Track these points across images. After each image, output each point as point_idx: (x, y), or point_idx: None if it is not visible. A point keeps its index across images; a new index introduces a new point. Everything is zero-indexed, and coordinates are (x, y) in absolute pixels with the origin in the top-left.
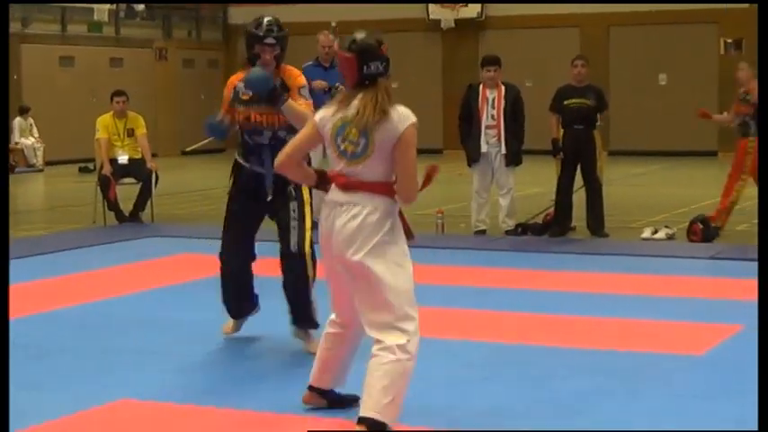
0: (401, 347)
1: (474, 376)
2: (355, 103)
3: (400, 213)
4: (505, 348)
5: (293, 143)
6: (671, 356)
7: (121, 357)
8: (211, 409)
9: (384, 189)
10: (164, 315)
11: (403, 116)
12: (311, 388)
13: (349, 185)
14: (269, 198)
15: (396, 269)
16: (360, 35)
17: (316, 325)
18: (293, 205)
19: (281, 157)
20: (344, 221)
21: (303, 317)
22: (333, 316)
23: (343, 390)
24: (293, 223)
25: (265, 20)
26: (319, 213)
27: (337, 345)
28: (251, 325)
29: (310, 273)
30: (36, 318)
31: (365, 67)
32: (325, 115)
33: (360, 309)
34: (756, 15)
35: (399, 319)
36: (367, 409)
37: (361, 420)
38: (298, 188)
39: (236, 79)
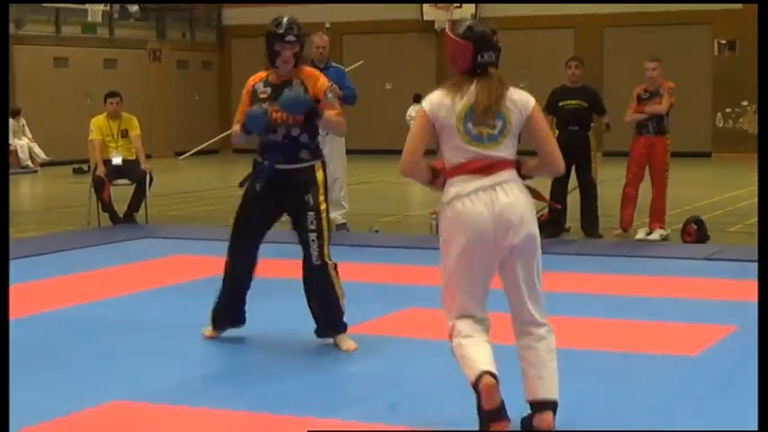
0: (552, 329)
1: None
2: (473, 89)
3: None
4: (499, 349)
5: (412, 145)
6: (665, 357)
7: (115, 359)
8: (206, 410)
9: (516, 166)
10: (157, 316)
11: (524, 96)
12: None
13: (494, 167)
14: (258, 188)
15: None
16: (470, 22)
17: (346, 326)
18: (310, 217)
19: (405, 163)
20: (512, 199)
21: (337, 324)
22: (473, 323)
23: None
24: (312, 236)
25: (285, 19)
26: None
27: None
28: (247, 325)
29: (335, 282)
30: (29, 319)
31: (479, 56)
32: (440, 103)
33: (525, 289)
34: (750, 16)
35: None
36: (551, 392)
37: (547, 404)
38: (315, 198)
39: (254, 81)
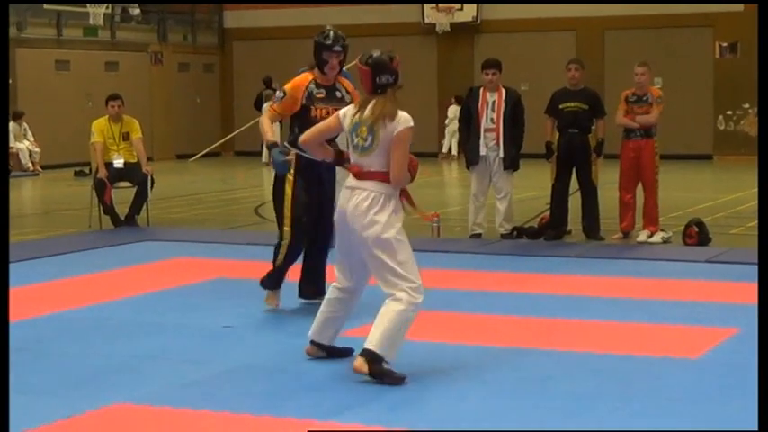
0: (408, 301)
1: (470, 379)
2: (369, 106)
3: (404, 190)
4: (501, 351)
5: (318, 128)
6: (666, 360)
7: (116, 361)
8: (207, 412)
9: (385, 177)
10: (159, 319)
11: (402, 120)
12: (313, 342)
13: (360, 174)
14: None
15: (401, 241)
16: (375, 52)
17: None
18: None
19: (306, 135)
20: (356, 203)
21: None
22: (338, 283)
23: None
24: None
25: (331, 32)
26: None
27: (341, 307)
28: (247, 328)
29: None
30: (31, 321)
31: (377, 78)
32: (347, 113)
33: (375, 273)
34: (751, 18)
35: (406, 281)
36: (370, 344)
37: (364, 352)
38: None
39: (304, 82)
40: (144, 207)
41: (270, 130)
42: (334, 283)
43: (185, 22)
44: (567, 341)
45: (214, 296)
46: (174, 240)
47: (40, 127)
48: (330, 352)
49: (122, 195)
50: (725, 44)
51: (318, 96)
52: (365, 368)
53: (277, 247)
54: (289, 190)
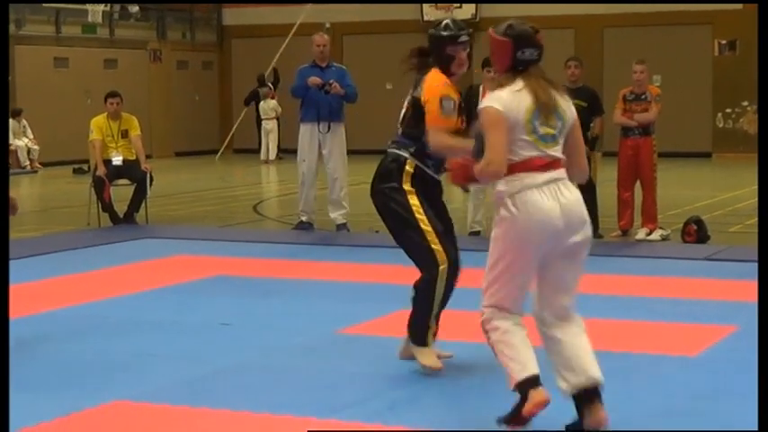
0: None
1: (469, 377)
2: (526, 89)
3: None
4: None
5: (501, 147)
6: (664, 357)
7: (115, 359)
8: (207, 410)
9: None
10: (158, 316)
11: (569, 101)
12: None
13: (552, 165)
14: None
15: None
16: (515, 21)
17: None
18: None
19: (498, 166)
20: (576, 197)
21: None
22: (513, 318)
23: None
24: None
25: (451, 21)
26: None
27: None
28: (247, 326)
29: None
30: (29, 319)
31: (520, 52)
32: (507, 102)
33: (571, 285)
34: (750, 16)
35: None
36: (599, 373)
37: (597, 387)
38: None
39: (448, 90)
40: (143, 204)
41: (455, 141)
42: (508, 322)
43: (184, 19)
44: None
45: (213, 293)
46: (173, 238)
47: (38, 124)
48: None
49: (121, 193)
50: (724, 42)
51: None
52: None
53: (428, 282)
54: (414, 200)
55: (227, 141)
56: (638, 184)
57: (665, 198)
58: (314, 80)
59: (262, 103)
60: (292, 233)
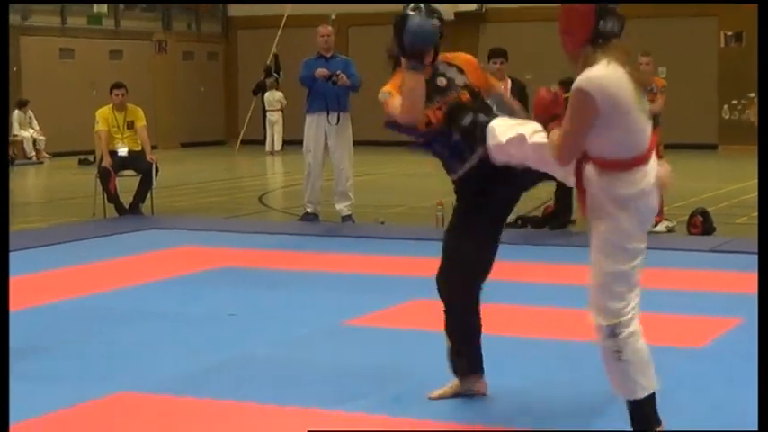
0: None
1: None
2: (623, 63)
3: None
4: (502, 341)
5: (579, 135)
6: (670, 349)
7: (120, 350)
8: (211, 401)
9: None
10: (163, 307)
11: None
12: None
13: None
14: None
15: None
16: None
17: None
18: None
19: (571, 157)
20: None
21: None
22: (633, 325)
23: None
24: None
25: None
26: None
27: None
28: (251, 317)
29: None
30: (35, 310)
31: (601, 22)
32: (618, 85)
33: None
34: (756, 9)
35: None
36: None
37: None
38: None
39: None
40: (148, 195)
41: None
42: (631, 328)
43: (189, 10)
44: (570, 331)
45: (218, 285)
46: (179, 229)
47: (44, 115)
48: None
49: (127, 184)
50: (730, 33)
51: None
52: None
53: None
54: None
55: (242, 132)
56: None
57: (670, 190)
58: (321, 71)
59: (267, 94)
60: (298, 224)
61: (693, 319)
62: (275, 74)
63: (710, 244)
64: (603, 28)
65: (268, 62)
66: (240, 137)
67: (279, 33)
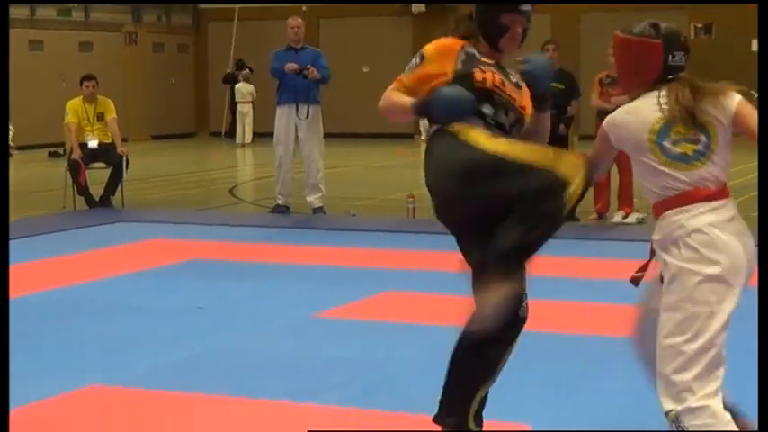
0: None
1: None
2: (671, 98)
3: None
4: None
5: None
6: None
7: (91, 343)
8: (182, 394)
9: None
10: (134, 301)
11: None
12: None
13: (697, 195)
14: None
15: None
16: (654, 20)
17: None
18: None
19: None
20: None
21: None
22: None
23: None
24: None
25: None
26: None
27: None
28: (222, 309)
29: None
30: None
31: (671, 57)
32: (637, 116)
33: None
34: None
35: None
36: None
37: None
38: None
39: (459, 44)
40: (119, 188)
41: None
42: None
43: (160, 2)
44: (542, 322)
45: (189, 277)
46: (149, 221)
47: (13, 107)
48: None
49: (97, 176)
50: (700, 25)
51: (485, 60)
52: None
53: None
54: None
55: (224, 123)
56: (614, 167)
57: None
58: (291, 66)
59: (238, 85)
60: (269, 216)
61: None
62: (249, 67)
63: None
64: (673, 62)
65: (229, 70)
66: (223, 129)
67: (234, 28)
